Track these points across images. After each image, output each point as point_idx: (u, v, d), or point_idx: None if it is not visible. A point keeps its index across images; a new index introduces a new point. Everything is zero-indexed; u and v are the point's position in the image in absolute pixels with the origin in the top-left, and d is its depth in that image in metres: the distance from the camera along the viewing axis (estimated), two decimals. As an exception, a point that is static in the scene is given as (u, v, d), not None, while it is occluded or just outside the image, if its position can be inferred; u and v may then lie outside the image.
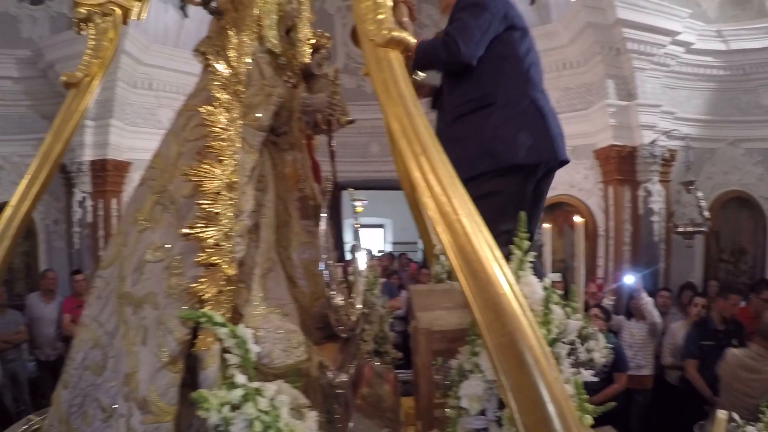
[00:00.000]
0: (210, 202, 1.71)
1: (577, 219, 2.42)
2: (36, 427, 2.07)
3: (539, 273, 1.83)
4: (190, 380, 1.62)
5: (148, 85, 8.09)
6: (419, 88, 3.04)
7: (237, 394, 1.45)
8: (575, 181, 7.80)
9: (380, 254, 11.24)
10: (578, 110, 7.63)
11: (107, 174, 7.78)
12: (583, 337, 2.15)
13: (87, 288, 6.22)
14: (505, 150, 2.41)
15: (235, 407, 1.44)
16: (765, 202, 7.89)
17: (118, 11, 2.46)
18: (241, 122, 1.94)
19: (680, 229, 7.37)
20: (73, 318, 6.23)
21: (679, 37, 7.27)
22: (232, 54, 1.97)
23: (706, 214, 7.21)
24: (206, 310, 1.60)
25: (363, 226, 2.76)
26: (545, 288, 1.68)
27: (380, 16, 1.70)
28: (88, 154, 7.70)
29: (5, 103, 8.02)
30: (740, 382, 4.32)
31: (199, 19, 7.33)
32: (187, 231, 1.68)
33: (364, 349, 2.86)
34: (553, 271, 2.10)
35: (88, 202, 7.90)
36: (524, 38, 2.59)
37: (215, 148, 1.77)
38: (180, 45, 7.83)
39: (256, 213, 2.16)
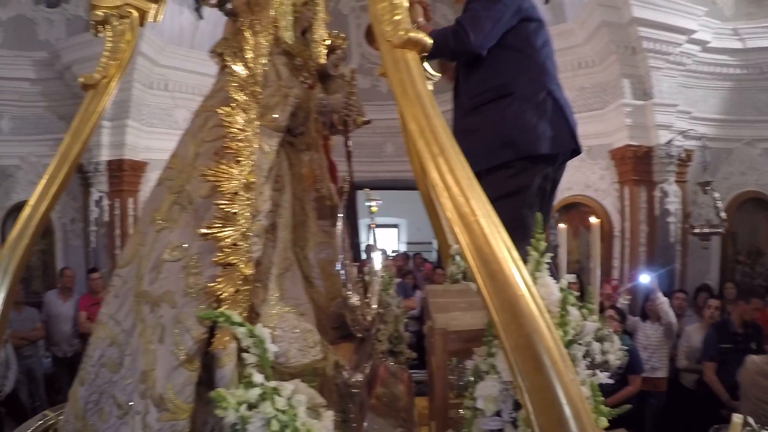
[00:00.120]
0: (227, 202, 1.72)
1: (593, 220, 2.39)
2: (51, 422, 2.09)
3: (552, 274, 1.82)
4: (206, 378, 1.63)
5: (163, 86, 8.15)
6: (445, 71, 3.04)
7: (255, 393, 1.46)
8: (591, 181, 7.67)
9: (395, 254, 11.23)
10: (594, 110, 7.54)
11: (124, 174, 7.85)
12: (599, 339, 2.14)
13: (103, 286, 6.31)
14: (525, 140, 2.41)
15: (252, 406, 1.45)
16: (783, 203, 7.76)
17: (135, 13, 2.49)
18: (258, 123, 1.95)
19: (696, 230, 7.23)
20: (89, 315, 6.30)
21: (695, 36, 7.17)
22: (249, 55, 1.98)
23: (723, 215, 7.08)
24: (224, 309, 1.61)
25: (378, 226, 2.77)
26: (562, 289, 1.67)
27: (397, 17, 1.70)
28: (104, 154, 7.78)
29: (22, 104, 8.14)
30: (759, 389, 4.24)
31: (214, 21, 7.40)
32: (205, 231, 1.69)
33: (379, 349, 2.87)
34: (569, 272, 2.08)
35: (105, 202, 7.98)
36: (540, 30, 2.57)
37: (233, 148, 1.79)
38: (195, 46, 7.90)
39: (273, 213, 2.17)
